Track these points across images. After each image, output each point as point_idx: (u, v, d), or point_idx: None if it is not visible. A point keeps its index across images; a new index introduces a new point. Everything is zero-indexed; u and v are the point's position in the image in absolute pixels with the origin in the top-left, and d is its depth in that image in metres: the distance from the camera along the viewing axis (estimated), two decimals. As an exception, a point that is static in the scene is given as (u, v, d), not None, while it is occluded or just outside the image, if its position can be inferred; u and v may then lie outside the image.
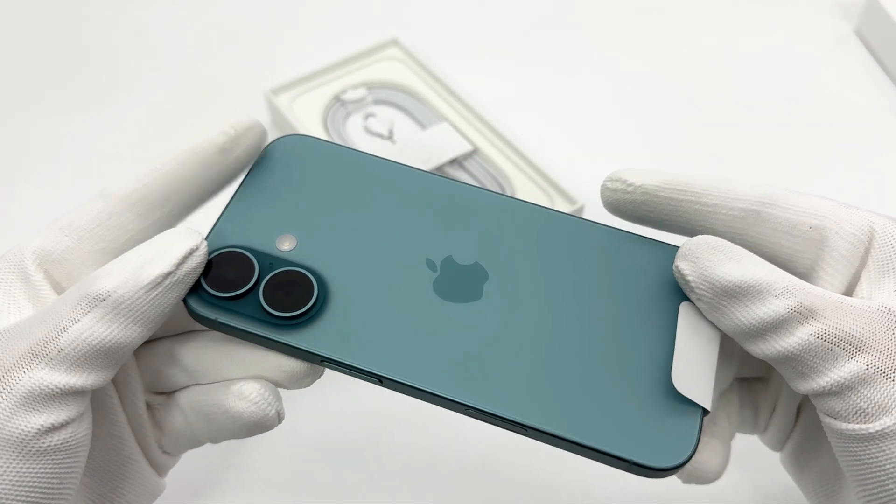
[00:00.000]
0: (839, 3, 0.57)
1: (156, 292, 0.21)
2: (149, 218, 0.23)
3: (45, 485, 0.20)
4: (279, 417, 0.23)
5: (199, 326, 0.24)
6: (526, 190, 0.44)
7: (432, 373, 0.21)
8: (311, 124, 0.47)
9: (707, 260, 0.21)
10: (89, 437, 0.21)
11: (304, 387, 0.23)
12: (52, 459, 0.20)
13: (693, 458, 0.22)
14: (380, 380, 0.22)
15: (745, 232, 0.23)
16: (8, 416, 0.19)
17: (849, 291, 0.22)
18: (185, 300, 0.22)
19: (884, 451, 0.20)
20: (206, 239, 0.22)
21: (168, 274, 0.21)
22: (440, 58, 0.52)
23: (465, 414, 0.22)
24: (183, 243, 0.21)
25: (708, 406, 0.21)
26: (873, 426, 0.20)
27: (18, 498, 0.19)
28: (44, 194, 0.46)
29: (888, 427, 0.20)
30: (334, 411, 0.36)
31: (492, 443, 0.35)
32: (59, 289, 0.22)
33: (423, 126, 0.47)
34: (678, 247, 0.23)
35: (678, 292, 0.23)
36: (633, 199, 0.23)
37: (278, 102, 0.47)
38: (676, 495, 0.33)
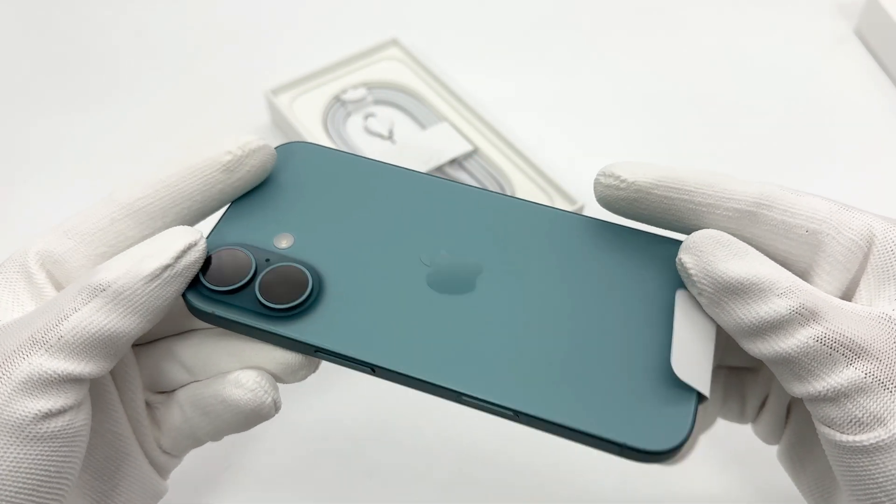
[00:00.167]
0: (839, 3, 0.57)
1: (155, 284, 0.21)
2: (149, 227, 0.23)
3: (42, 472, 0.20)
4: (276, 406, 0.23)
5: (198, 325, 0.24)
6: (526, 190, 0.44)
7: (424, 361, 0.22)
8: (311, 124, 0.47)
9: (711, 254, 0.21)
10: (88, 428, 0.21)
11: (300, 380, 0.24)
12: (50, 446, 0.20)
13: None
14: (372, 369, 0.22)
15: (739, 233, 0.22)
16: (6, 400, 0.19)
17: (846, 298, 0.22)
18: (184, 295, 0.23)
19: (877, 464, 0.20)
20: (206, 239, 0.23)
21: (167, 266, 0.21)
22: (440, 58, 0.52)
23: (458, 402, 0.22)
24: (182, 239, 0.22)
25: (706, 392, 0.21)
26: (867, 438, 0.20)
27: (15, 483, 0.19)
28: (44, 194, 0.46)
29: (882, 440, 0.20)
30: (334, 411, 0.36)
31: (492, 441, 0.35)
32: (60, 288, 0.23)
33: (423, 126, 0.47)
34: (669, 238, 0.23)
35: (670, 283, 0.23)
36: (626, 196, 0.23)
37: (278, 102, 0.47)
38: (678, 495, 0.33)
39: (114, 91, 0.52)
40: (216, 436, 0.25)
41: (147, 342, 0.25)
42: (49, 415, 0.20)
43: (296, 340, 0.22)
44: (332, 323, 0.22)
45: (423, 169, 0.43)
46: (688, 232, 0.23)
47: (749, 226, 0.22)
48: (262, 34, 0.56)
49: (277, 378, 0.23)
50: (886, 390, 0.20)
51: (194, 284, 0.23)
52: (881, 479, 0.20)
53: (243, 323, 0.22)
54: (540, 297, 0.23)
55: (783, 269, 0.21)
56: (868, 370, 0.20)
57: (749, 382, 0.26)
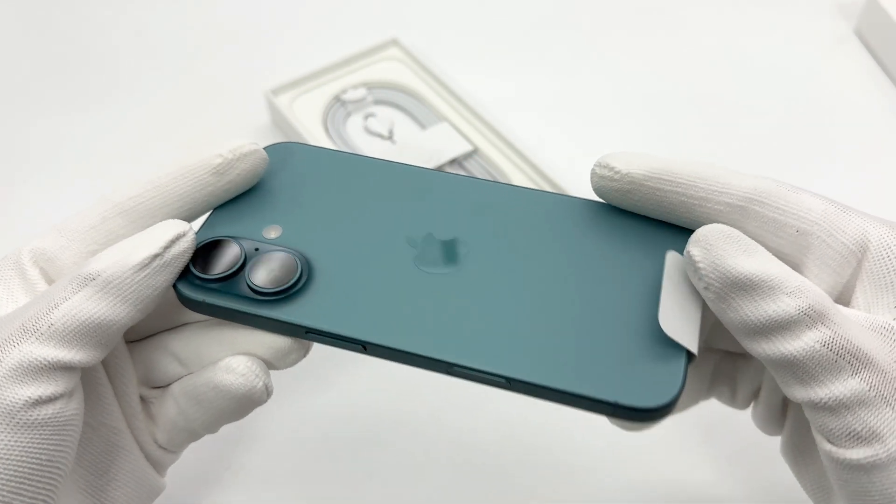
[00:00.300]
0: (839, 3, 0.57)
1: (144, 273, 0.21)
2: (139, 226, 0.24)
3: (33, 460, 0.20)
4: (267, 391, 0.24)
5: (191, 319, 0.25)
6: (526, 190, 0.44)
7: (415, 335, 0.22)
8: (311, 124, 0.47)
9: (721, 248, 0.20)
10: (79, 418, 0.21)
11: (291, 364, 0.24)
12: (41, 434, 0.20)
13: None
14: (364, 346, 0.22)
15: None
16: None
17: (839, 303, 0.22)
18: (174, 286, 0.23)
19: (873, 481, 0.20)
20: (196, 233, 0.23)
21: (156, 256, 0.22)
22: (440, 58, 0.52)
23: (449, 374, 0.22)
24: (171, 230, 0.22)
25: (694, 350, 0.21)
26: (863, 454, 0.19)
27: (6, 470, 0.19)
28: (44, 194, 0.46)
29: (878, 458, 0.19)
30: (334, 411, 0.36)
31: (492, 442, 0.35)
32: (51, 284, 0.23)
33: (423, 126, 0.47)
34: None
35: (653, 251, 0.23)
36: (620, 188, 0.23)
37: (278, 102, 0.47)
38: (677, 495, 0.33)
39: (114, 91, 0.52)
40: (211, 426, 0.25)
41: (141, 338, 0.25)
42: (40, 401, 0.20)
43: (286, 323, 0.23)
44: (322, 303, 0.23)
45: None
46: (681, 224, 0.23)
47: (739, 221, 0.22)
48: (262, 34, 0.56)
49: (269, 364, 0.24)
50: (888, 405, 0.19)
51: (184, 275, 0.23)
52: (877, 496, 0.20)
53: (234, 309, 0.23)
54: (525, 270, 0.23)
55: (792, 269, 0.21)
56: (873, 383, 0.19)
57: (742, 368, 0.26)
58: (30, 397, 0.20)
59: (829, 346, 0.20)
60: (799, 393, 0.20)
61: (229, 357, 0.23)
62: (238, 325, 0.23)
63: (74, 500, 0.23)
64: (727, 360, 0.26)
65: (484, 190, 0.26)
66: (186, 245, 0.23)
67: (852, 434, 0.20)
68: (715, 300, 0.21)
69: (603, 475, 0.34)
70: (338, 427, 0.36)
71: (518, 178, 0.44)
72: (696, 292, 0.22)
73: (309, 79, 0.49)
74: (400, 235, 0.24)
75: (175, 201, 0.24)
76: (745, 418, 0.27)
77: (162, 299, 0.23)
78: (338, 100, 0.48)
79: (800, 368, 0.20)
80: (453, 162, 0.45)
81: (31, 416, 0.20)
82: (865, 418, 0.19)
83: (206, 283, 0.23)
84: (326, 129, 0.47)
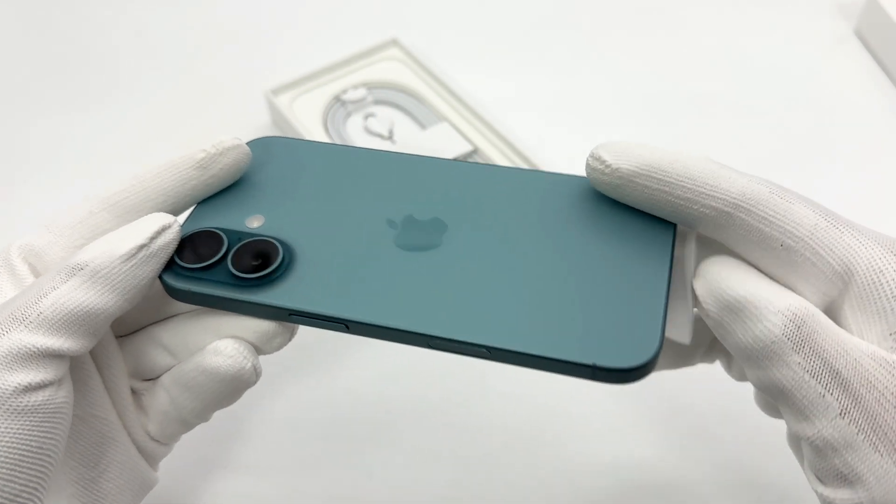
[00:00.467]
0: (839, 3, 0.57)
1: (131, 264, 0.22)
2: (124, 220, 0.24)
3: (24, 446, 0.20)
4: (256, 372, 0.24)
5: (179, 310, 0.25)
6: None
7: (395, 310, 0.22)
8: (311, 124, 0.47)
9: (716, 274, 0.21)
10: (69, 406, 0.22)
11: (277, 348, 0.24)
12: (31, 420, 0.20)
13: None
14: (346, 325, 0.23)
15: (714, 232, 0.22)
16: None
17: None
18: (161, 278, 0.24)
19: None
20: (181, 226, 0.24)
21: (142, 246, 0.22)
22: (440, 58, 0.52)
23: (430, 347, 0.22)
24: (156, 221, 0.23)
25: (686, 340, 0.22)
26: (846, 496, 0.19)
27: None
28: (44, 194, 0.46)
29: (860, 501, 0.19)
30: (334, 410, 0.36)
31: (492, 441, 0.35)
32: None
33: (423, 126, 0.47)
34: None
35: (625, 221, 0.23)
36: (610, 182, 0.23)
37: (278, 102, 0.47)
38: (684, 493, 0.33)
39: (114, 91, 0.52)
40: (203, 414, 0.25)
41: (130, 332, 0.26)
42: (29, 388, 0.20)
43: (269, 306, 0.23)
44: (304, 286, 0.23)
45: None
46: (674, 220, 0.23)
47: (724, 227, 0.22)
48: (262, 34, 0.56)
49: (256, 348, 0.24)
50: (875, 450, 0.19)
51: (170, 266, 0.24)
52: None
53: (218, 296, 0.23)
54: (502, 245, 0.24)
55: (789, 292, 0.21)
56: (861, 425, 0.19)
57: None
58: (20, 384, 0.20)
59: (817, 376, 0.19)
60: (792, 427, 0.21)
61: (216, 341, 0.24)
62: (224, 312, 0.24)
63: (66, 491, 0.23)
64: None
65: (461, 171, 0.26)
66: (171, 236, 0.23)
67: (837, 475, 0.20)
68: (715, 327, 0.21)
69: (604, 475, 0.34)
70: (337, 425, 0.36)
71: (518, 178, 0.44)
72: (688, 287, 0.23)
73: (309, 79, 0.49)
74: (381, 218, 0.25)
75: (159, 195, 0.24)
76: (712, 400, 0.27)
77: (149, 291, 0.23)
78: (338, 100, 0.48)
79: (791, 401, 0.20)
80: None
81: (21, 402, 0.20)
82: (851, 461, 0.19)
83: (191, 273, 0.24)
84: (326, 129, 0.47)
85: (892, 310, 0.20)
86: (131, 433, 0.25)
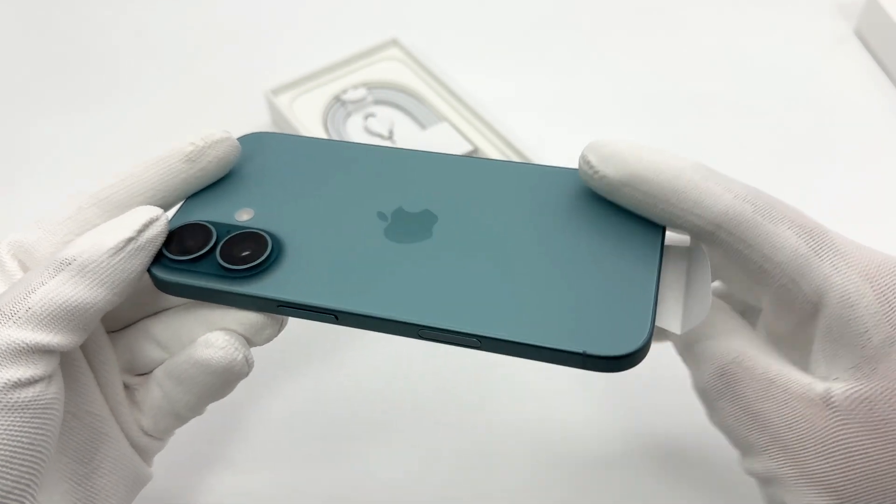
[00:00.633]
0: (839, 3, 0.57)
1: (119, 257, 0.22)
2: (113, 215, 0.24)
3: (14, 443, 0.20)
4: (248, 363, 0.24)
5: (170, 304, 0.25)
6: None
7: (385, 301, 0.22)
8: (311, 124, 0.47)
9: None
10: (59, 402, 0.22)
11: (267, 339, 0.24)
12: (22, 416, 0.20)
13: None
14: (335, 316, 0.23)
15: (703, 243, 0.22)
16: None
17: (797, 344, 0.22)
18: (149, 270, 0.23)
19: None
20: (170, 220, 0.24)
21: (130, 239, 0.22)
22: (440, 58, 0.52)
23: (419, 337, 0.22)
24: (144, 214, 0.23)
25: (677, 330, 0.22)
26: None
27: None
28: (44, 194, 0.46)
29: None
30: (331, 407, 0.36)
31: (490, 439, 0.35)
32: None
33: (423, 126, 0.47)
34: None
35: (614, 211, 0.24)
36: (598, 186, 0.23)
37: (278, 102, 0.47)
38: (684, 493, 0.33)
39: (114, 91, 0.52)
40: (196, 407, 0.25)
41: (122, 327, 0.26)
42: (19, 384, 0.20)
43: (258, 297, 0.23)
44: (293, 277, 0.23)
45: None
46: (663, 224, 0.23)
47: (708, 242, 0.22)
48: (262, 34, 0.56)
49: (246, 340, 0.24)
50: (797, 483, 0.20)
51: (158, 259, 0.24)
52: None
53: (207, 288, 0.23)
54: (492, 236, 0.24)
55: (725, 334, 0.22)
56: (781, 463, 0.20)
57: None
58: (9, 380, 0.20)
59: (739, 420, 0.21)
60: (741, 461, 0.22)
61: (208, 333, 0.24)
62: (215, 305, 0.24)
63: (59, 487, 0.23)
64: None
65: (451, 164, 0.26)
66: (159, 229, 0.23)
67: (779, 501, 0.21)
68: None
69: (605, 476, 0.34)
70: (337, 425, 0.36)
71: (518, 178, 0.44)
72: (681, 278, 0.23)
73: (309, 79, 0.49)
74: (371, 210, 0.25)
75: (148, 190, 0.24)
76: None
77: (138, 284, 0.23)
78: (338, 100, 0.48)
79: (728, 438, 0.22)
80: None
81: (11, 398, 0.20)
82: (780, 494, 0.21)
83: (179, 265, 0.24)
84: (326, 129, 0.47)
85: (856, 344, 0.20)
86: (124, 428, 0.25)
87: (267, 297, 0.23)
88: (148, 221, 0.23)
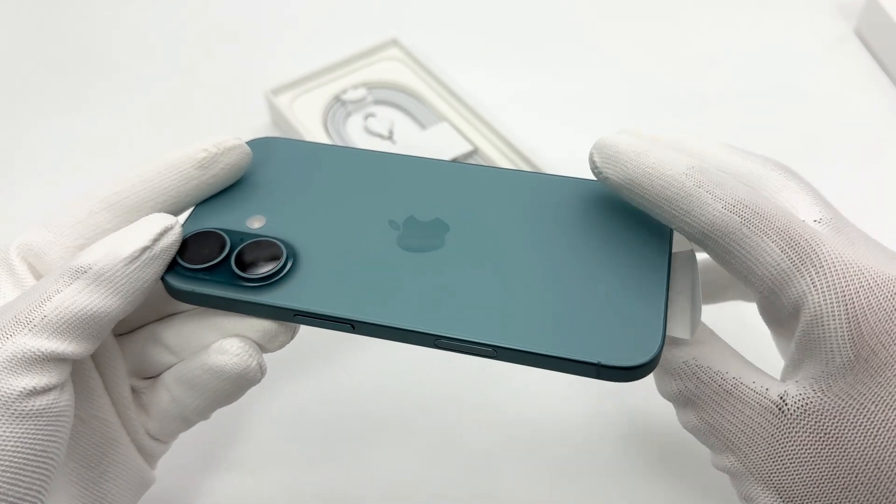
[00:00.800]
0: (839, 3, 0.57)
1: (134, 266, 0.22)
2: (125, 220, 0.24)
3: (28, 450, 0.20)
4: (262, 370, 0.24)
5: (179, 309, 0.25)
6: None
7: (400, 310, 0.23)
8: (311, 124, 0.47)
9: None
10: (71, 410, 0.22)
11: (279, 346, 0.24)
12: (35, 424, 0.20)
13: None
14: (352, 325, 0.23)
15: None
16: None
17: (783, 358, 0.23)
18: (163, 279, 0.23)
19: None
20: (182, 226, 0.24)
21: (145, 248, 0.22)
22: (440, 58, 0.52)
23: (436, 346, 0.22)
24: (159, 223, 0.23)
25: (687, 336, 0.22)
26: None
27: (2, 461, 0.20)
28: (44, 194, 0.46)
29: None
30: (333, 408, 0.36)
31: (492, 440, 0.35)
32: (40, 279, 0.23)
33: (423, 126, 0.47)
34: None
35: (626, 221, 0.24)
36: (605, 185, 0.23)
37: (278, 102, 0.47)
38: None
39: (114, 91, 0.52)
40: (205, 412, 0.25)
41: (129, 330, 0.26)
42: (34, 392, 0.20)
43: (275, 307, 0.23)
44: (309, 286, 0.23)
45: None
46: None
47: (701, 247, 0.22)
48: (262, 34, 0.56)
49: (259, 346, 0.24)
50: (759, 482, 0.22)
51: (172, 267, 0.24)
52: None
53: (222, 297, 0.23)
54: (505, 245, 0.24)
55: (694, 343, 0.23)
56: (739, 469, 0.22)
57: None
58: (24, 388, 0.20)
59: (697, 431, 0.23)
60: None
61: (221, 340, 0.24)
62: (226, 312, 0.24)
63: (67, 492, 0.23)
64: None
65: (462, 172, 0.26)
66: (174, 237, 0.23)
67: (746, 497, 0.22)
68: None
69: (608, 479, 0.34)
70: (334, 417, 0.36)
71: (518, 178, 0.44)
72: (687, 284, 0.23)
73: (309, 79, 0.49)
74: (382, 219, 0.25)
75: (160, 195, 0.24)
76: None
77: (150, 292, 0.23)
78: (338, 100, 0.48)
79: (698, 439, 0.23)
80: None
81: (25, 406, 0.20)
82: (741, 488, 0.22)
83: (193, 274, 0.24)
84: (326, 129, 0.47)
85: (820, 360, 0.20)
86: (131, 432, 0.25)
87: (284, 307, 0.23)
88: (163, 230, 0.23)
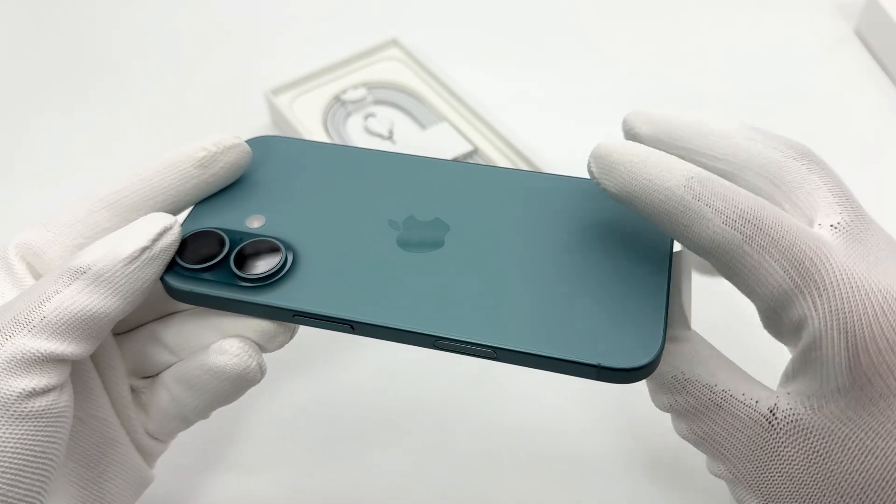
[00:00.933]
0: (839, 3, 0.57)
1: (133, 266, 0.22)
2: (124, 219, 0.24)
3: (28, 451, 0.20)
4: (261, 370, 0.24)
5: (179, 308, 0.25)
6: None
7: (400, 311, 0.22)
8: (311, 124, 0.47)
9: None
10: (70, 410, 0.22)
11: (278, 347, 0.24)
12: (35, 425, 0.20)
13: None
14: (351, 326, 0.23)
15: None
16: None
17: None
18: (162, 279, 0.23)
19: None
20: (181, 225, 0.24)
21: (144, 248, 0.22)
22: (440, 58, 0.52)
23: (436, 347, 0.22)
24: (158, 223, 0.23)
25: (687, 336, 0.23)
26: None
27: (2, 462, 0.20)
28: (43, 194, 0.46)
29: None
30: (333, 409, 0.36)
31: (492, 441, 0.35)
32: (39, 278, 0.23)
33: (423, 126, 0.47)
34: None
35: (623, 222, 0.24)
36: (605, 192, 0.23)
37: (278, 102, 0.47)
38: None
39: (113, 91, 0.52)
40: (204, 412, 0.25)
41: (128, 330, 0.26)
42: (33, 393, 0.20)
43: (274, 307, 0.23)
44: (309, 286, 0.23)
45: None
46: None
47: (703, 257, 0.22)
48: (262, 34, 0.56)
49: (259, 347, 0.24)
50: (746, 488, 0.22)
51: (171, 267, 0.23)
52: None
53: (221, 297, 0.23)
54: (504, 245, 0.24)
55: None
56: (732, 480, 0.22)
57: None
58: (24, 389, 0.20)
59: (692, 440, 0.23)
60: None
61: (221, 340, 0.23)
62: (225, 312, 0.24)
63: (67, 492, 0.23)
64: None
65: (461, 172, 0.26)
66: (173, 237, 0.23)
67: (737, 500, 0.22)
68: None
69: (608, 478, 0.34)
70: (333, 418, 0.36)
71: (518, 178, 0.44)
72: (686, 283, 0.23)
73: (309, 79, 0.49)
74: (382, 219, 0.25)
75: (159, 194, 0.24)
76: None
77: (149, 292, 0.23)
78: (338, 100, 0.48)
79: (700, 444, 0.23)
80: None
81: (25, 407, 0.20)
82: (734, 493, 0.22)
83: (192, 274, 0.23)
84: (326, 129, 0.47)
85: (815, 380, 0.20)
86: (130, 432, 0.25)
87: (284, 307, 0.23)
88: (162, 230, 0.22)
